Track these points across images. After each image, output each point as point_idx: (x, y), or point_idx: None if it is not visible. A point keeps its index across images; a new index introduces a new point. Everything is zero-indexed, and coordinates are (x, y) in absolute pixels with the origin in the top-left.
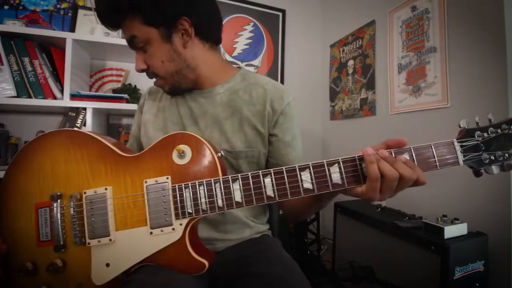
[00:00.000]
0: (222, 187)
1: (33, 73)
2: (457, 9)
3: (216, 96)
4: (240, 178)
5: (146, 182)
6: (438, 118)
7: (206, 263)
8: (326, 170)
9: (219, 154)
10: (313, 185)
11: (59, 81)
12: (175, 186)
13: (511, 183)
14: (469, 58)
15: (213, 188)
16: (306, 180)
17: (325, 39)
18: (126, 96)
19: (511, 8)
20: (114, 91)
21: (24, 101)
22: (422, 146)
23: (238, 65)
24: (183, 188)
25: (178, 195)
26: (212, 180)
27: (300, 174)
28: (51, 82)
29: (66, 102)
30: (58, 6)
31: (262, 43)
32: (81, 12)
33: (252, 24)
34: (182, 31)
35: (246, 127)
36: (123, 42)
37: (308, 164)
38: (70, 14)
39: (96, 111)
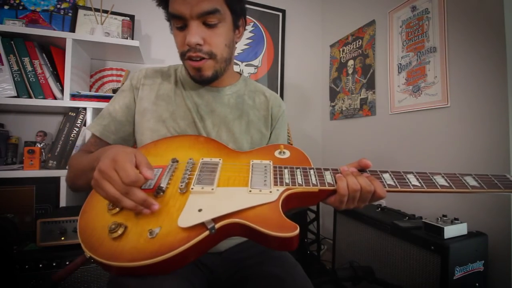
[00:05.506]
0: (315, 172)
1: (33, 73)
2: (457, 9)
3: (224, 97)
4: (330, 169)
5: (252, 161)
6: (438, 118)
7: (297, 226)
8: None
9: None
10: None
11: (59, 81)
12: (276, 166)
13: None
14: (469, 58)
15: (308, 172)
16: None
17: (325, 39)
18: None
19: (511, 8)
20: (114, 91)
21: (24, 101)
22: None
23: (237, 71)
24: (283, 167)
25: (278, 170)
26: (307, 167)
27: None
28: (51, 82)
29: (66, 102)
30: (58, 6)
31: (262, 43)
32: (81, 12)
33: (252, 24)
34: (239, 28)
35: (252, 130)
36: (123, 42)
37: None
38: (70, 14)
39: (96, 111)
